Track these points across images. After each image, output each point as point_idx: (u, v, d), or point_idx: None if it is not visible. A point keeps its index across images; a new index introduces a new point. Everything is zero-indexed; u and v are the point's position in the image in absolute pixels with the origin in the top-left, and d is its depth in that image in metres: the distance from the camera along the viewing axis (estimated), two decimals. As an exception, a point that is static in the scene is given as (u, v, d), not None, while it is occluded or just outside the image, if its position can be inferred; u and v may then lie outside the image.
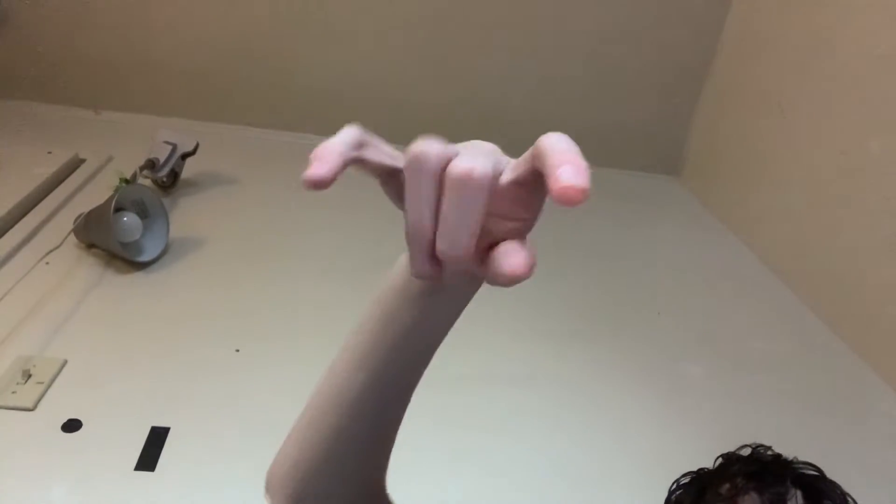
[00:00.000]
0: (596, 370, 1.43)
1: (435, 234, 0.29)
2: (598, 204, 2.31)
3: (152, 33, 2.20)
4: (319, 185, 0.28)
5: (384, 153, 0.32)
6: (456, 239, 0.28)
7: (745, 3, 2.17)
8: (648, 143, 2.46)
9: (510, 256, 0.28)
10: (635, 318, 1.65)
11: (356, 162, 0.30)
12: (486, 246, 0.30)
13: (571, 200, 0.25)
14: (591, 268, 1.84)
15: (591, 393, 1.37)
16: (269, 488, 0.45)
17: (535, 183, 0.29)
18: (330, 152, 0.29)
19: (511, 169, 0.30)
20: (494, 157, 0.30)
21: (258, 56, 2.25)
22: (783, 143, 1.94)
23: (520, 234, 0.31)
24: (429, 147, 0.29)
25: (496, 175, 0.29)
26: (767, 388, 1.45)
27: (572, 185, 0.25)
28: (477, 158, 0.28)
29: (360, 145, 0.31)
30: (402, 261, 0.39)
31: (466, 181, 0.27)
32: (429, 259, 0.29)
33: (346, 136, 0.30)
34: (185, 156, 1.86)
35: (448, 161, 0.28)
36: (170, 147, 1.82)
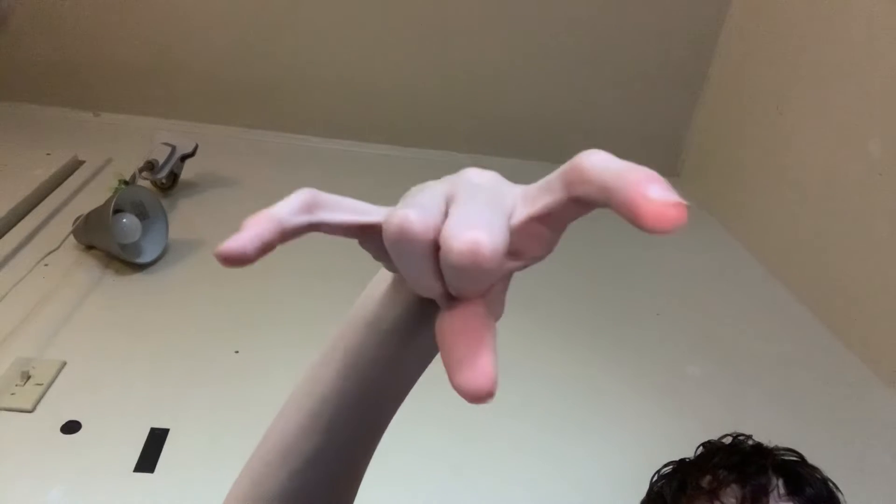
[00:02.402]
0: (595, 371, 1.43)
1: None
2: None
3: (152, 36, 2.20)
4: (236, 261, 0.24)
5: (348, 211, 0.26)
6: (469, 294, 0.23)
7: (745, 4, 2.17)
8: (647, 144, 2.46)
9: (470, 369, 0.21)
10: (634, 319, 1.65)
11: (311, 228, 0.26)
12: None
13: (670, 220, 0.20)
14: (591, 269, 1.84)
15: (591, 393, 1.37)
16: None
17: (560, 217, 0.24)
18: (259, 222, 0.24)
19: (526, 202, 0.24)
20: (497, 204, 0.24)
21: (258, 58, 2.25)
22: (782, 145, 1.94)
23: (521, 266, 0.26)
24: (410, 222, 0.22)
25: (505, 241, 0.22)
26: (767, 388, 1.45)
27: (669, 199, 0.20)
28: (478, 223, 0.22)
29: (310, 209, 0.25)
30: (368, 293, 0.33)
31: (471, 267, 0.21)
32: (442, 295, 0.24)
33: (291, 202, 0.25)
34: (184, 157, 1.86)
35: (437, 231, 0.22)
36: (169, 149, 1.82)
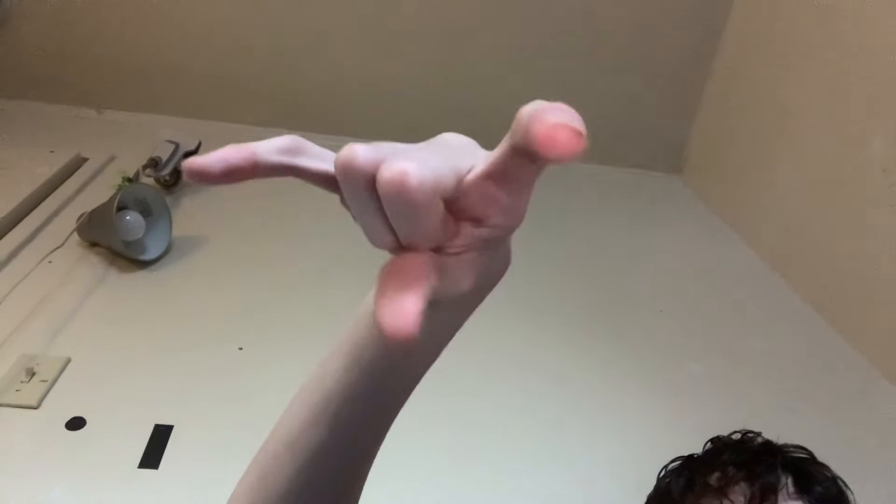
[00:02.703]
0: (597, 368, 1.43)
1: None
2: (600, 201, 2.32)
3: (154, 33, 2.21)
4: (198, 176, 0.24)
5: (329, 162, 0.26)
6: (417, 239, 0.23)
7: (747, 3, 2.16)
8: (650, 141, 2.46)
9: (393, 308, 0.21)
10: (637, 316, 1.65)
11: (287, 171, 0.26)
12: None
13: (561, 145, 0.19)
14: (593, 265, 1.84)
15: (593, 391, 1.37)
16: None
17: (510, 174, 0.24)
18: (239, 149, 0.24)
19: (482, 160, 0.25)
20: (452, 159, 0.24)
21: (260, 55, 2.26)
22: (785, 142, 1.94)
23: (494, 243, 0.26)
24: (355, 154, 0.22)
25: (444, 179, 0.22)
26: (769, 386, 1.45)
27: (562, 122, 0.20)
28: (413, 159, 0.21)
29: (291, 152, 0.26)
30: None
31: (396, 196, 0.21)
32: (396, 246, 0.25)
33: (273, 141, 0.25)
34: (187, 154, 1.87)
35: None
36: (172, 146, 1.82)
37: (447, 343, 0.33)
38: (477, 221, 0.25)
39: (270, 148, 0.25)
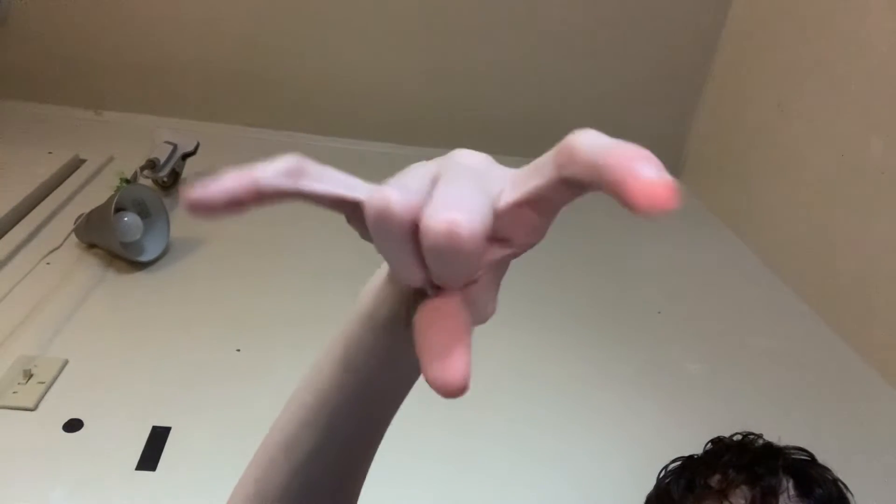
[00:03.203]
0: (596, 369, 1.43)
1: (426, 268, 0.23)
2: (598, 203, 2.30)
3: (153, 34, 2.20)
4: (199, 208, 0.22)
5: (335, 183, 0.25)
6: (454, 281, 0.23)
7: (746, 3, 2.17)
8: (648, 142, 2.40)
9: (443, 364, 0.21)
10: (636, 317, 1.65)
11: (292, 195, 0.24)
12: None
13: (660, 200, 0.19)
14: (592, 267, 1.84)
15: (591, 391, 1.37)
16: None
17: (549, 200, 0.23)
18: (236, 178, 0.23)
19: (515, 185, 0.24)
20: (483, 187, 0.23)
21: (259, 56, 2.25)
22: (784, 143, 1.94)
23: (511, 258, 0.25)
24: (390, 203, 0.21)
25: (488, 219, 0.21)
26: (768, 386, 1.45)
27: (658, 180, 0.19)
28: (458, 204, 0.21)
29: (294, 175, 0.24)
30: (368, 285, 0.33)
31: (447, 248, 0.20)
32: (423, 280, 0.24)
33: (275, 165, 0.24)
34: (185, 156, 1.86)
35: (418, 213, 0.21)
36: (170, 147, 1.82)
37: None
38: (504, 242, 0.24)
39: (272, 172, 0.24)
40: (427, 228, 0.20)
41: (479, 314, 0.25)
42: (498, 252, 0.24)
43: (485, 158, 0.26)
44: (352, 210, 0.25)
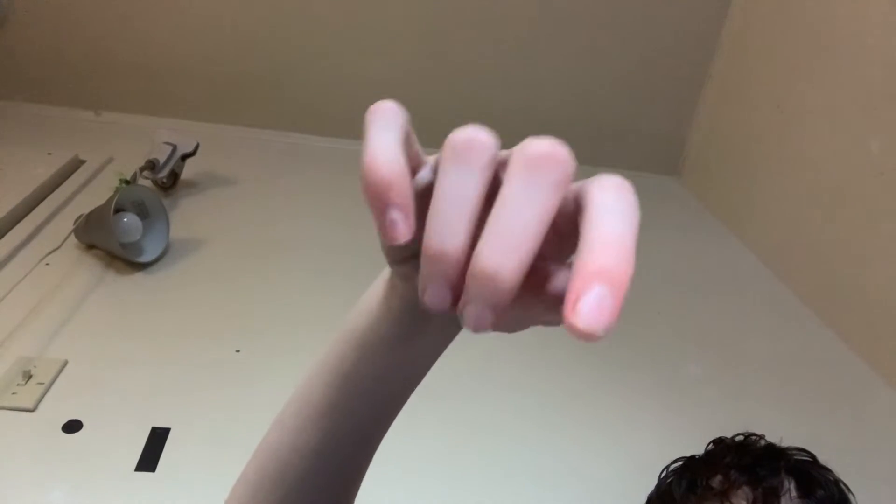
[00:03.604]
0: (595, 370, 1.43)
1: (466, 253, 0.21)
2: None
3: (152, 35, 2.20)
4: (402, 236, 0.21)
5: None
6: (511, 251, 0.20)
7: (746, 3, 2.17)
8: (648, 143, 2.46)
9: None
10: (634, 318, 1.65)
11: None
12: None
13: (580, 337, 0.19)
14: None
15: (590, 393, 1.37)
16: None
17: (563, 222, 0.22)
18: (401, 197, 0.21)
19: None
20: None
21: (258, 57, 2.25)
22: (783, 143, 1.94)
23: None
24: (481, 130, 0.22)
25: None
26: (767, 387, 1.45)
27: (590, 330, 0.19)
28: (556, 142, 0.21)
29: (406, 140, 0.24)
30: (366, 298, 0.32)
31: (550, 159, 0.20)
32: (450, 286, 0.21)
33: (393, 130, 0.24)
34: (185, 156, 1.86)
35: (498, 157, 0.22)
36: (170, 148, 1.82)
37: (433, 363, 0.33)
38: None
39: (400, 142, 0.24)
40: (527, 144, 0.21)
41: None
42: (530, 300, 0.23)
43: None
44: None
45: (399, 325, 0.30)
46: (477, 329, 0.21)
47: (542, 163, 0.20)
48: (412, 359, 0.32)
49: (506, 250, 0.20)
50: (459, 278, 0.21)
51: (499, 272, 0.20)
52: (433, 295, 0.21)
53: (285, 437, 0.35)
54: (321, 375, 0.33)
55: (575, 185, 0.22)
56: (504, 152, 0.22)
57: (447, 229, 0.21)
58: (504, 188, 0.21)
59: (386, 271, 0.31)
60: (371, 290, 0.32)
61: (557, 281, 0.22)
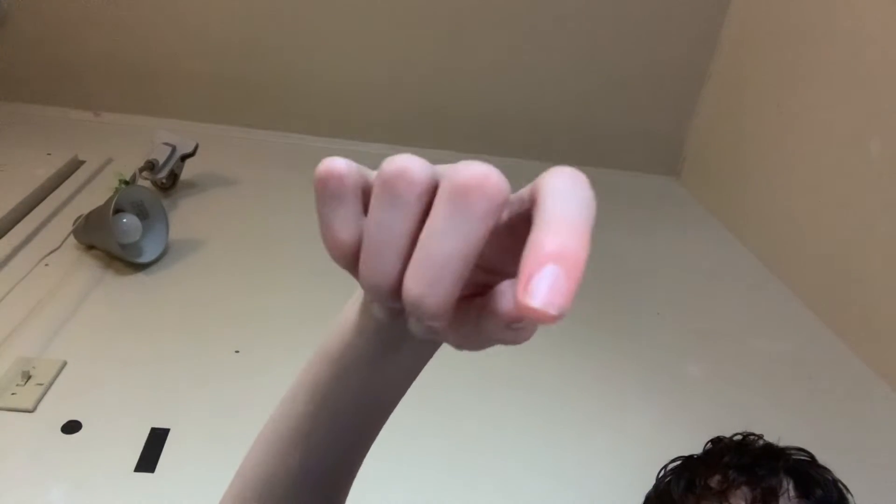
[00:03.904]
0: (595, 370, 1.43)
1: (398, 281, 0.21)
2: (597, 204, 2.30)
3: (152, 35, 2.20)
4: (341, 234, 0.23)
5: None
6: (433, 282, 0.20)
7: (745, 3, 2.17)
8: (647, 143, 2.46)
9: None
10: (634, 319, 1.65)
11: None
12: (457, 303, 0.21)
13: (537, 320, 0.19)
14: (590, 268, 1.82)
15: (590, 393, 1.37)
16: None
17: (526, 231, 0.21)
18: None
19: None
20: None
21: (257, 57, 2.25)
22: (782, 144, 1.94)
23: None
24: (412, 160, 0.22)
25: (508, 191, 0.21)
26: (767, 388, 1.45)
27: (543, 309, 0.18)
28: (483, 166, 0.20)
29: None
30: (340, 318, 0.32)
31: (477, 190, 0.20)
32: (391, 300, 0.22)
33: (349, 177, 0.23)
34: (184, 157, 1.86)
35: (435, 181, 0.22)
36: (169, 148, 1.82)
37: (411, 381, 0.33)
38: (487, 270, 0.25)
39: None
40: (457, 171, 0.20)
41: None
42: (483, 277, 0.24)
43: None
44: None
45: (373, 344, 0.30)
46: (426, 338, 0.22)
47: (468, 193, 0.20)
48: (388, 377, 0.32)
49: (428, 282, 0.20)
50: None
51: (423, 300, 0.20)
52: (380, 312, 0.25)
53: (269, 457, 0.35)
54: (298, 395, 0.33)
55: (529, 185, 0.22)
56: (441, 168, 0.22)
57: (378, 264, 0.22)
58: (429, 219, 0.21)
59: (359, 291, 0.30)
60: (345, 310, 0.32)
61: (504, 299, 0.21)
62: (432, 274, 0.20)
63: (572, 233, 0.19)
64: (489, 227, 0.20)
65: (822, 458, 0.66)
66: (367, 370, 0.31)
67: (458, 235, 0.20)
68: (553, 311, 0.18)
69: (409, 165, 0.22)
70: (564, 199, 0.20)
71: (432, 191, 0.22)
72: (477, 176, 0.20)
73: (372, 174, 0.24)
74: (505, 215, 0.23)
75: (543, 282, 0.18)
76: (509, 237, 0.23)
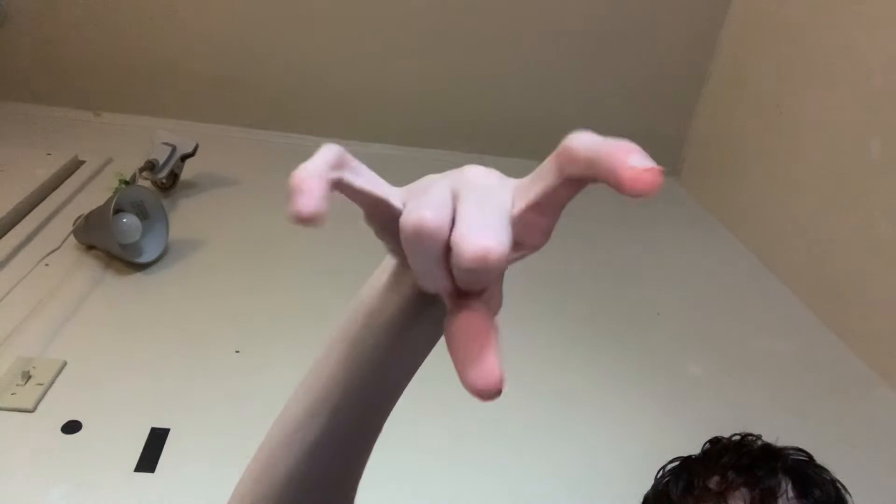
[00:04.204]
0: (595, 371, 1.43)
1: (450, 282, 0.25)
2: (597, 204, 2.31)
3: (152, 35, 2.20)
4: (310, 221, 0.23)
5: (371, 181, 0.27)
6: (474, 289, 0.26)
7: (745, 4, 2.17)
8: (647, 143, 2.39)
9: (479, 369, 0.23)
10: (635, 319, 1.65)
11: (335, 186, 0.26)
12: None
13: (647, 185, 0.22)
14: (591, 269, 1.84)
15: (591, 394, 1.37)
16: None
17: (554, 201, 0.25)
18: (311, 178, 0.24)
19: (522, 193, 0.26)
20: (500, 204, 0.25)
21: (258, 57, 2.25)
22: (782, 144, 1.94)
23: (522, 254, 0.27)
24: (427, 222, 0.24)
25: (510, 242, 0.24)
26: (767, 387, 1.45)
27: (645, 166, 0.22)
28: (485, 227, 0.23)
29: (339, 166, 0.26)
30: (369, 284, 0.34)
31: (482, 271, 0.22)
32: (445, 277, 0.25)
33: (325, 156, 0.26)
34: (184, 157, 1.86)
35: (448, 231, 0.24)
36: (169, 148, 1.82)
37: (440, 338, 0.34)
38: (517, 246, 0.26)
39: (327, 167, 0.25)
40: (462, 252, 0.22)
41: (492, 310, 0.27)
42: (511, 256, 0.26)
43: (494, 174, 0.27)
44: (374, 207, 0.27)
45: (403, 306, 0.32)
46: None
47: (473, 272, 0.23)
48: (415, 338, 0.34)
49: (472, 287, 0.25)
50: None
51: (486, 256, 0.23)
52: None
53: (298, 408, 0.36)
54: (332, 353, 0.35)
55: (547, 163, 0.25)
56: (455, 182, 0.26)
57: (429, 283, 0.25)
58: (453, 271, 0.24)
59: (387, 261, 0.33)
60: (378, 274, 0.34)
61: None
62: (470, 287, 0.25)
63: (623, 143, 0.23)
64: (500, 273, 0.25)
65: (821, 458, 0.66)
66: (398, 330, 0.33)
67: (476, 285, 0.25)
68: (654, 165, 0.22)
69: (423, 222, 0.24)
70: (595, 137, 0.24)
71: (451, 221, 0.24)
72: (475, 257, 0.22)
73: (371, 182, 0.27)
74: (525, 202, 0.25)
75: (634, 157, 0.22)
76: (533, 214, 0.26)
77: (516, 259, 0.27)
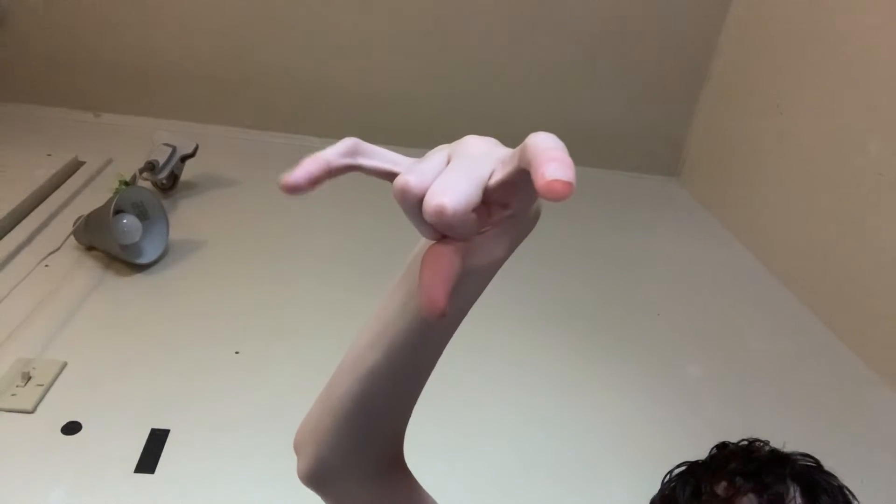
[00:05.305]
0: (595, 371, 1.43)
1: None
2: (597, 205, 2.32)
3: (152, 36, 2.21)
4: (293, 190, 0.29)
5: (385, 160, 0.33)
6: (459, 238, 0.30)
7: (745, 4, 2.17)
8: (647, 144, 2.46)
9: (428, 294, 0.28)
10: (635, 319, 1.65)
11: (352, 168, 0.32)
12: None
13: (557, 194, 0.25)
14: (591, 269, 1.84)
15: (591, 394, 1.37)
16: (296, 446, 0.48)
17: (524, 180, 0.29)
18: (315, 160, 0.30)
19: (501, 167, 0.30)
20: (477, 171, 0.30)
21: (257, 58, 2.26)
22: (782, 145, 1.94)
23: (520, 214, 0.32)
24: (408, 186, 0.29)
25: (472, 198, 0.28)
26: (767, 388, 1.45)
27: (557, 178, 0.25)
28: (447, 189, 0.28)
29: (353, 153, 0.32)
30: (414, 259, 0.40)
31: (439, 223, 0.28)
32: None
33: (340, 146, 0.32)
34: (184, 158, 1.86)
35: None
36: (169, 149, 1.82)
37: (481, 293, 0.40)
38: (504, 206, 0.32)
39: (337, 154, 0.32)
40: (424, 207, 0.28)
41: (486, 257, 0.34)
42: (500, 213, 0.32)
43: (488, 142, 0.32)
44: (389, 178, 0.32)
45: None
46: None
47: (437, 222, 0.28)
48: (468, 284, 0.38)
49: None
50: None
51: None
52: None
53: (363, 337, 0.43)
54: (394, 298, 0.41)
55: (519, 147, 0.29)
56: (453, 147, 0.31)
57: (422, 232, 0.31)
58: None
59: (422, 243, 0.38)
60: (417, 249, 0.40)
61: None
62: (456, 237, 0.30)
63: (558, 149, 0.27)
64: (464, 228, 0.29)
65: (821, 458, 0.66)
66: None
67: (454, 234, 0.29)
68: (568, 178, 0.25)
69: (401, 187, 0.29)
70: (545, 138, 0.28)
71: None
72: (434, 210, 0.27)
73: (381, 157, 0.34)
74: (500, 175, 0.30)
75: (551, 167, 0.25)
76: (510, 186, 0.30)
77: (510, 216, 0.32)
